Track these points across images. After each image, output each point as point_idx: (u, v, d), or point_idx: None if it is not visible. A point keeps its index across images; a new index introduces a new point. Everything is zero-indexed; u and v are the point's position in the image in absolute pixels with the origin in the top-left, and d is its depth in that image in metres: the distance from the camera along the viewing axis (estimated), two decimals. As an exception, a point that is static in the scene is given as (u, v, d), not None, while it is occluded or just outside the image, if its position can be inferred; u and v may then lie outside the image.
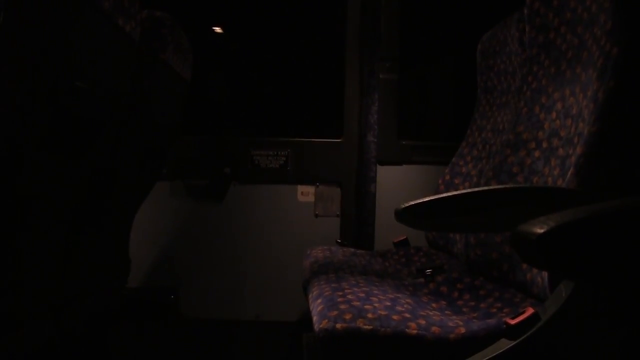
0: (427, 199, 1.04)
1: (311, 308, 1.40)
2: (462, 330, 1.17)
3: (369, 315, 1.20)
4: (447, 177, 2.39)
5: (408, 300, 1.39)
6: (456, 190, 1.69)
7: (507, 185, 1.47)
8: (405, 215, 1.06)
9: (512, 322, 1.03)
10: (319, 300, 1.36)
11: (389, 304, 1.30)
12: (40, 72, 1.14)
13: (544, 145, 1.57)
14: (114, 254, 2.10)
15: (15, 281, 1.33)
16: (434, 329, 1.17)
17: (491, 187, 1.08)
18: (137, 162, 1.96)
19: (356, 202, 2.79)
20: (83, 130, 1.42)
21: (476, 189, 1.04)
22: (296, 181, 2.81)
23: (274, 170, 2.80)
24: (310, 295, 1.52)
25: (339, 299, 1.31)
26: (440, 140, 2.91)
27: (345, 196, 2.81)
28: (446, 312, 1.42)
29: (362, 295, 1.36)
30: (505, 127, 2.07)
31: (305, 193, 2.81)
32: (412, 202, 1.04)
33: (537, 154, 1.59)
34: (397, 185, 2.82)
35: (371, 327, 1.17)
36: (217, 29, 3.33)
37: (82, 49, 1.28)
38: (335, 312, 1.22)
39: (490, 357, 1.02)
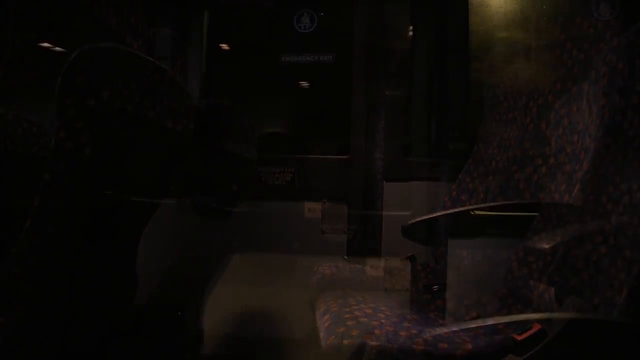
0: (433, 215, 1.05)
1: (318, 324, 1.40)
2: (469, 346, 1.16)
3: (376, 332, 1.20)
4: (454, 194, 2.38)
5: (415, 317, 1.38)
6: (463, 206, 1.69)
7: (514, 202, 1.47)
8: (412, 231, 1.06)
9: (519, 338, 1.02)
10: (326, 317, 1.36)
11: (396, 320, 1.30)
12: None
13: (551, 161, 1.57)
14: (121, 271, 2.10)
15: (20, 297, 1.33)
16: (441, 345, 1.17)
17: (497, 204, 1.08)
18: (145, 179, 1.96)
19: (363, 218, 2.79)
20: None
21: (482, 205, 1.04)
22: (303, 198, 2.80)
23: (281, 187, 2.79)
24: (317, 312, 1.52)
25: (346, 315, 1.31)
26: (447, 157, 2.90)
27: (352, 213, 2.80)
28: (453, 328, 1.41)
29: (369, 311, 1.36)
30: (512, 143, 2.07)
31: (312, 209, 2.80)
32: (419, 218, 1.05)
33: (543, 169, 1.58)
34: (404, 201, 2.81)
35: (378, 343, 1.17)
36: (224, 46, 3.35)
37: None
38: (342, 328, 1.22)
39: (497, 373, 1.02)
